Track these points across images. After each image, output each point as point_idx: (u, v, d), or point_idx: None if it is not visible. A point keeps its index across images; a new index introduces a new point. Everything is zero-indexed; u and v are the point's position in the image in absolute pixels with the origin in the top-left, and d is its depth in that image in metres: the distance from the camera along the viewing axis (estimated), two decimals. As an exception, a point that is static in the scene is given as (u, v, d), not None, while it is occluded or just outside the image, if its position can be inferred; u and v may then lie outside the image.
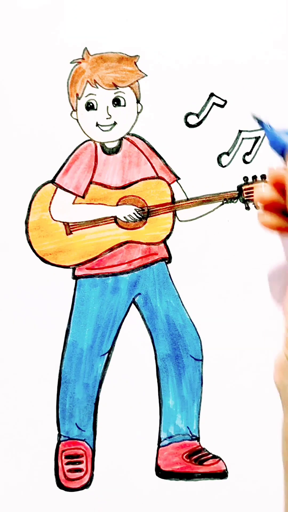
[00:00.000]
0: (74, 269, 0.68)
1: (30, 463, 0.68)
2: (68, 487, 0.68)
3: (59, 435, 0.68)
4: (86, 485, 0.68)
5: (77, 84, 0.67)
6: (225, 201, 0.68)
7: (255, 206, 0.68)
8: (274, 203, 0.58)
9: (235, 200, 0.68)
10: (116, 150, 0.68)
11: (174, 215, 0.68)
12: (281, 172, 0.57)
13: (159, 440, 0.68)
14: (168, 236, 0.68)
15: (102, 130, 0.68)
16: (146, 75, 0.67)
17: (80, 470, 0.68)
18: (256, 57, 0.66)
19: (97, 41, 0.67)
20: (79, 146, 0.68)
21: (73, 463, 0.68)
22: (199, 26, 0.66)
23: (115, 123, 0.68)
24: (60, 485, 0.68)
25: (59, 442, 0.68)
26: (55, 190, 0.68)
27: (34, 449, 0.68)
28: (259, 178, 0.67)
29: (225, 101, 0.67)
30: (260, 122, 0.65)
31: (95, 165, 0.68)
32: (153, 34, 0.67)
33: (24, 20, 0.67)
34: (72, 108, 0.67)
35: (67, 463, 0.68)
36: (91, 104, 0.67)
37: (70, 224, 0.68)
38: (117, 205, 0.68)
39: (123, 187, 0.68)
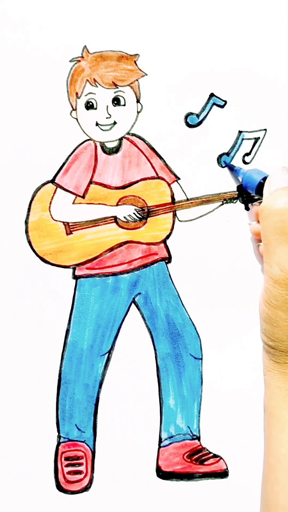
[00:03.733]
0: (74, 269, 0.68)
1: (29, 465, 0.68)
2: (67, 490, 0.68)
3: (59, 437, 0.68)
4: (86, 488, 0.68)
5: (76, 83, 0.67)
6: (225, 201, 0.68)
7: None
8: None
9: (235, 201, 0.68)
10: (116, 150, 0.68)
11: (174, 215, 0.68)
12: (257, 227, 0.61)
13: (160, 441, 0.68)
14: (168, 236, 0.68)
15: (102, 130, 0.67)
16: (146, 74, 0.67)
17: (80, 472, 0.68)
18: (256, 57, 0.67)
19: (97, 39, 0.66)
20: (78, 145, 0.67)
21: (73, 465, 0.68)
22: (199, 26, 0.67)
23: (115, 123, 0.67)
24: (59, 487, 0.68)
25: (58, 443, 0.68)
26: (55, 190, 0.67)
27: (34, 451, 0.68)
28: (258, 179, 0.68)
29: (225, 102, 0.67)
30: (231, 168, 0.67)
31: (95, 165, 0.68)
32: (153, 34, 0.67)
33: (22, 18, 0.66)
34: (72, 107, 0.67)
35: (67, 465, 0.68)
36: (90, 103, 0.67)
37: (70, 224, 0.67)
38: (117, 205, 0.68)
39: (123, 187, 0.68)
